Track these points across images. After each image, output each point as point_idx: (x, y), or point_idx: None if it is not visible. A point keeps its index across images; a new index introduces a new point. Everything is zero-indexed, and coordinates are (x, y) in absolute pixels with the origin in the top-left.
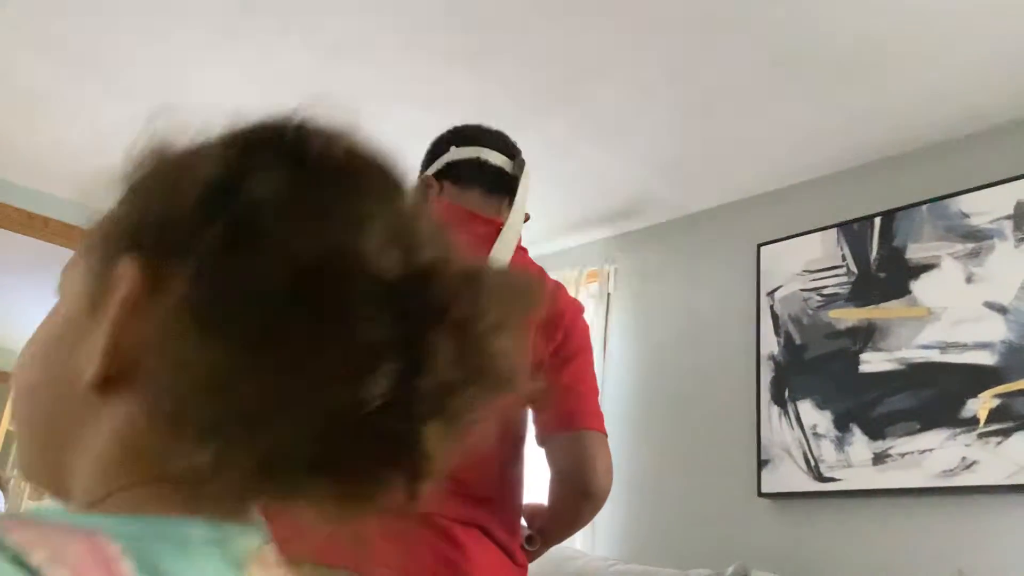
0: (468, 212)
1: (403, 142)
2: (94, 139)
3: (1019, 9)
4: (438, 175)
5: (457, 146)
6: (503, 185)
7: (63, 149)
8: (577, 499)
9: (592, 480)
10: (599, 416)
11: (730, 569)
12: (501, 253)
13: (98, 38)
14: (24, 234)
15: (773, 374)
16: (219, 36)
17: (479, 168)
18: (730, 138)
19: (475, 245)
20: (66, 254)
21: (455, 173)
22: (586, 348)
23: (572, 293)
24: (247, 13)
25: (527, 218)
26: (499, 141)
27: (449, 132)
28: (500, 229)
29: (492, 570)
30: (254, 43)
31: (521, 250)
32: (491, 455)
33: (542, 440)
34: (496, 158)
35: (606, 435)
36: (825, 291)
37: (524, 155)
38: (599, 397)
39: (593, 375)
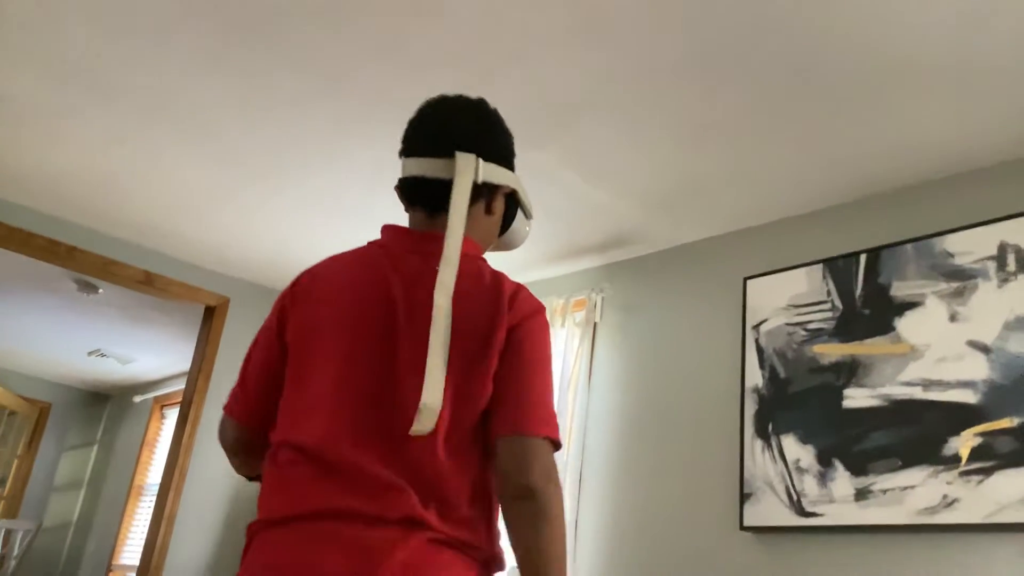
0: (419, 234)
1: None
2: (80, 156)
3: (1003, 54)
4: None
5: (403, 156)
6: (441, 199)
7: (49, 166)
8: (516, 504)
9: (528, 481)
10: (548, 422)
11: None
12: (444, 275)
13: (88, 54)
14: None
15: (757, 407)
16: (209, 56)
17: (413, 188)
18: (719, 172)
19: (426, 269)
20: (48, 269)
21: (402, 190)
22: (541, 350)
23: (559, 321)
24: (237, 33)
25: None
26: (435, 138)
27: (405, 130)
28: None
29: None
30: (243, 62)
31: (475, 259)
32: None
33: (489, 444)
34: (427, 167)
35: (554, 442)
36: (810, 326)
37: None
38: (554, 402)
39: (549, 377)
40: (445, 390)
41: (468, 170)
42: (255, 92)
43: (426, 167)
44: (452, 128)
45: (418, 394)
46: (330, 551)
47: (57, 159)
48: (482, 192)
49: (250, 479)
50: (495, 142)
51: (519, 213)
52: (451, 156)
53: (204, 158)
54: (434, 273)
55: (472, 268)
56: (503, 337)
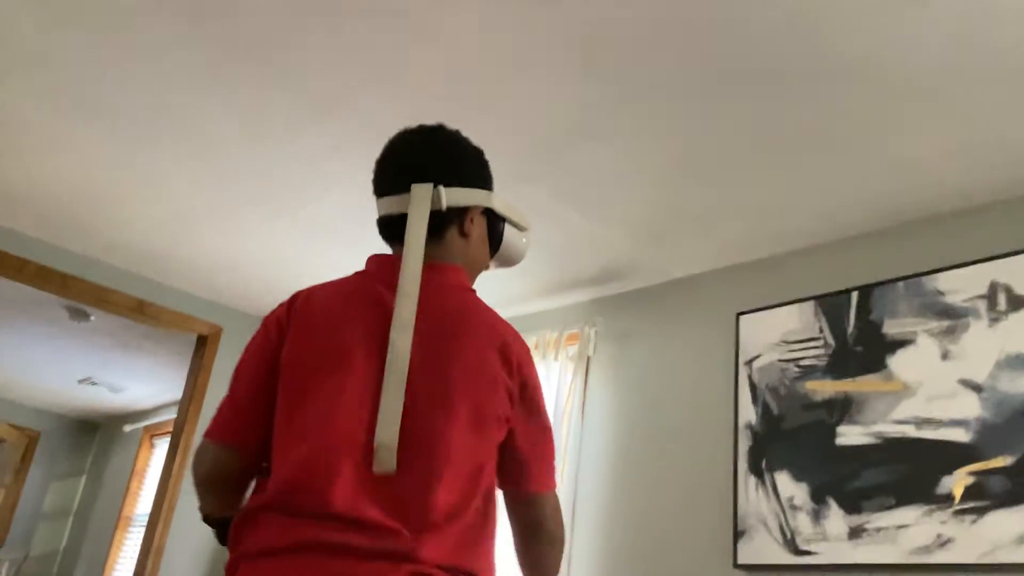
0: (395, 257)
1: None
2: (72, 180)
3: (998, 95)
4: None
5: (376, 199)
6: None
7: (41, 190)
8: (545, 549)
9: (560, 532)
10: (552, 474)
11: None
12: (402, 311)
13: (82, 79)
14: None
15: (751, 443)
16: (205, 78)
17: (386, 227)
18: (711, 207)
19: (424, 294)
20: (38, 295)
21: (379, 228)
22: (542, 398)
23: (552, 354)
24: (234, 56)
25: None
26: (395, 175)
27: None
28: (432, 267)
29: None
30: (239, 85)
31: (462, 290)
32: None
33: (505, 493)
34: (390, 206)
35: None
36: (803, 362)
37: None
38: (555, 452)
39: (548, 426)
40: (448, 428)
41: (422, 201)
42: (252, 115)
43: (391, 205)
44: (409, 162)
45: (418, 430)
46: None
47: (50, 183)
48: (451, 217)
49: (213, 521)
50: (456, 166)
51: (507, 227)
52: (408, 191)
53: (198, 183)
54: (429, 307)
55: (466, 301)
56: (509, 384)
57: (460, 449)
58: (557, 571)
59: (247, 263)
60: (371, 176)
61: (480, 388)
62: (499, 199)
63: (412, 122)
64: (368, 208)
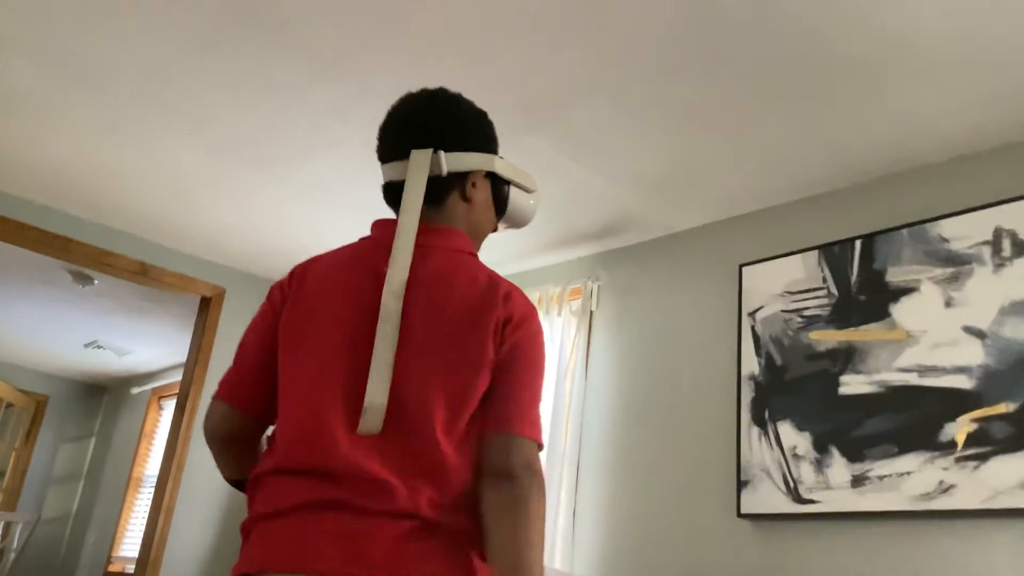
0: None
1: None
2: (73, 145)
3: (999, 40)
4: None
5: (380, 164)
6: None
7: (42, 155)
8: (495, 489)
9: (508, 467)
10: (534, 424)
11: None
12: (394, 275)
13: (80, 42)
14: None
15: (754, 395)
16: (203, 41)
17: (389, 192)
18: (713, 158)
19: (421, 256)
20: (42, 260)
21: (384, 194)
22: (536, 355)
23: (555, 310)
24: (231, 18)
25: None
26: (396, 141)
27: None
28: (430, 231)
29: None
30: (238, 47)
31: (464, 255)
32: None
33: (479, 438)
34: (393, 172)
35: (538, 444)
36: (806, 312)
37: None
38: (540, 404)
39: (539, 381)
40: (438, 382)
41: (420, 167)
42: (250, 78)
43: (393, 171)
44: (409, 128)
45: (411, 394)
46: (320, 541)
47: (50, 148)
48: (452, 182)
49: (235, 483)
50: (456, 129)
51: (512, 189)
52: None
53: (199, 146)
54: (431, 269)
55: (461, 263)
56: (497, 330)
57: (448, 402)
58: (530, 541)
59: (249, 225)
60: (371, 138)
61: (468, 339)
62: (503, 162)
63: (412, 81)
64: (368, 170)
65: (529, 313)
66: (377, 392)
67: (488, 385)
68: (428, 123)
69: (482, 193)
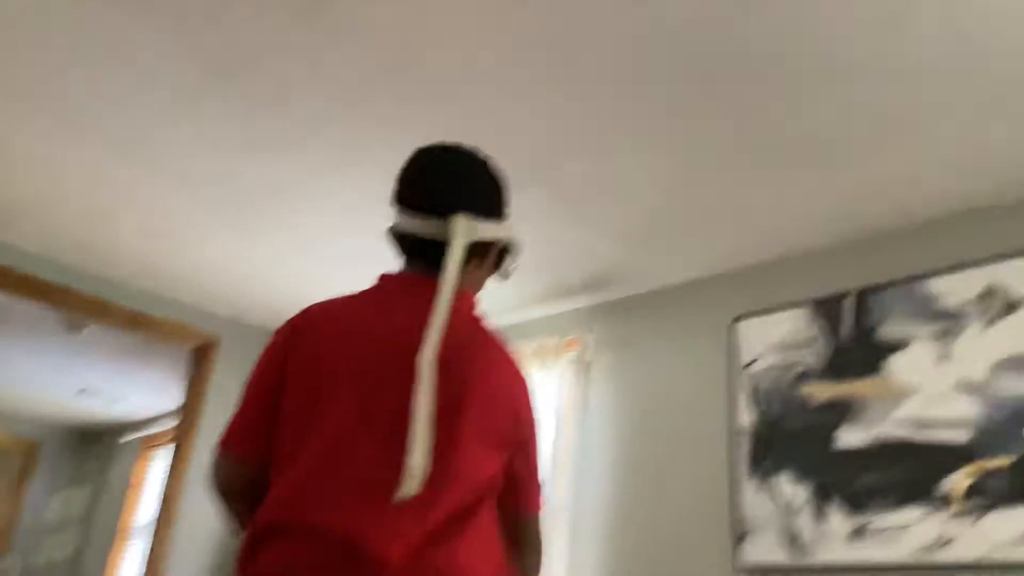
0: (427, 281)
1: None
2: (64, 193)
3: (989, 97)
4: (389, 232)
5: (397, 207)
6: (436, 255)
7: (33, 203)
8: (526, 561)
9: (537, 550)
10: (540, 497)
11: None
12: (432, 340)
13: (62, 86)
14: None
15: (750, 447)
16: (188, 97)
17: (410, 244)
18: (707, 212)
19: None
20: (35, 309)
21: (398, 242)
22: (536, 428)
23: (551, 360)
24: (217, 74)
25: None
26: (431, 197)
27: (400, 176)
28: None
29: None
30: (223, 103)
31: (475, 319)
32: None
33: (510, 518)
34: (423, 227)
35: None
36: (800, 367)
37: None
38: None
39: (538, 455)
40: (462, 451)
41: (463, 235)
42: (235, 133)
43: (422, 226)
44: (448, 188)
45: (443, 460)
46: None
47: (41, 196)
48: (476, 249)
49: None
50: (490, 198)
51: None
52: (446, 216)
53: (190, 195)
54: (458, 337)
55: (477, 329)
56: (518, 420)
57: (467, 470)
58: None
59: (244, 274)
60: (366, 190)
61: (489, 414)
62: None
63: (394, 137)
64: (354, 222)
65: (530, 394)
66: (419, 455)
67: (504, 461)
68: (466, 189)
69: (492, 258)
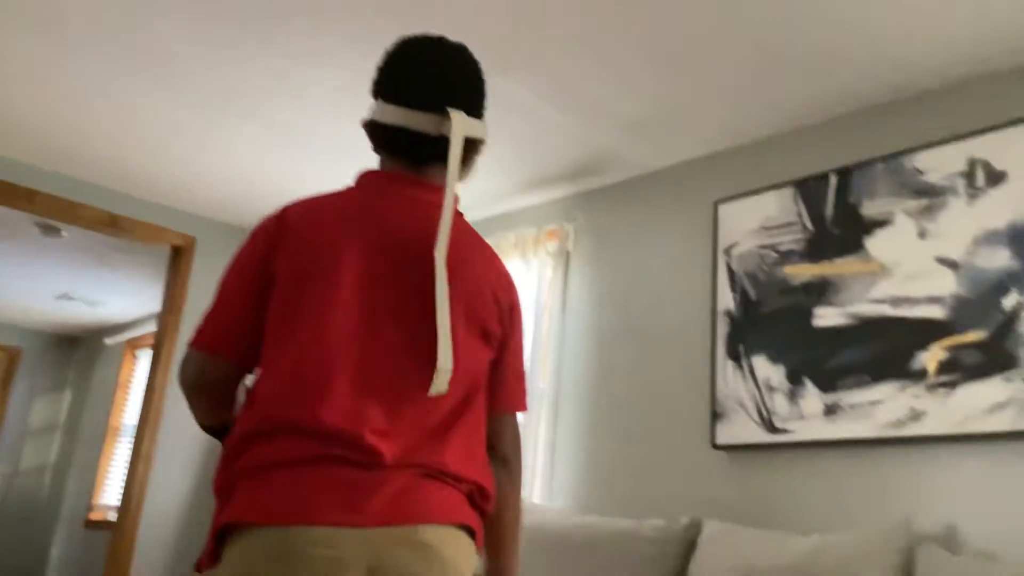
0: (412, 178)
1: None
2: (40, 97)
3: None
4: (368, 126)
5: (383, 100)
6: (433, 152)
7: (9, 109)
8: (500, 468)
9: (516, 455)
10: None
11: (684, 519)
12: (442, 238)
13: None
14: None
15: (729, 329)
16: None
17: (395, 138)
18: (688, 96)
19: (428, 215)
20: (9, 213)
21: (381, 137)
22: (522, 322)
23: (532, 251)
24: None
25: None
26: (426, 91)
27: (380, 70)
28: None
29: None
30: (237, 25)
31: (461, 216)
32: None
33: (491, 415)
34: (415, 121)
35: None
36: (781, 248)
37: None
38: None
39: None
40: (460, 344)
41: (461, 132)
42: (215, 25)
43: (413, 120)
44: (442, 83)
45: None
46: (322, 490)
47: (17, 102)
48: (466, 146)
49: (211, 429)
50: (479, 97)
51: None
52: (440, 112)
53: (165, 95)
54: (435, 226)
55: (465, 227)
56: (504, 314)
57: (465, 362)
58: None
59: (217, 174)
60: (345, 81)
61: (482, 308)
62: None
63: (378, 24)
64: (332, 113)
65: (517, 291)
66: (447, 355)
67: (494, 356)
68: (463, 83)
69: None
